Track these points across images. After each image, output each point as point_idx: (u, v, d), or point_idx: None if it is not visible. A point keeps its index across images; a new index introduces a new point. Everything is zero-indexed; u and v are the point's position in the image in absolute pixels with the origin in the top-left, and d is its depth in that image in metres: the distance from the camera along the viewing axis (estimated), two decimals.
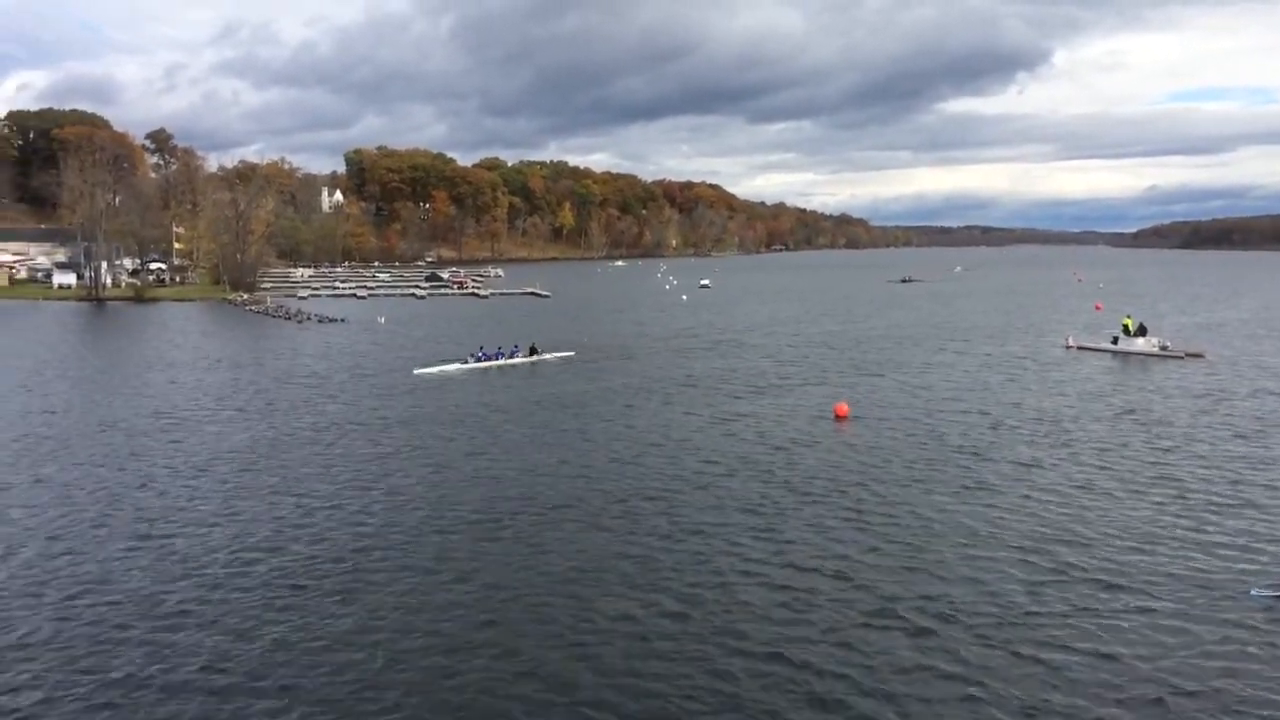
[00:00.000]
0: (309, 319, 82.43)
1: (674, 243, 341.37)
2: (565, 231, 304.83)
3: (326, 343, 64.29)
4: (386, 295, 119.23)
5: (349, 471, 28.17)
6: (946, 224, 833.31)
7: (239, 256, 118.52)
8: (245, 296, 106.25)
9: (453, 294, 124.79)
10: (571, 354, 54.90)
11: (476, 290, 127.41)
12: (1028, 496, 25.06)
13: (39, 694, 14.42)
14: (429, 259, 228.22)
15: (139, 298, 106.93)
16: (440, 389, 43.71)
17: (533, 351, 53.51)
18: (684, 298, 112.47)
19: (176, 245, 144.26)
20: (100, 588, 18.70)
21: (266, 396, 41.84)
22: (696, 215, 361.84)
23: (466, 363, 50.09)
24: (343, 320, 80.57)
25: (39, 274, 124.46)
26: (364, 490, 25.96)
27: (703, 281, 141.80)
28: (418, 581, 18.94)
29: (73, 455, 30.58)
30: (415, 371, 48.08)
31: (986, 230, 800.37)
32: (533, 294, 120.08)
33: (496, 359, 51.44)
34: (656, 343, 63.22)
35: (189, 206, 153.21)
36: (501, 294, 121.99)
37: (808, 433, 33.46)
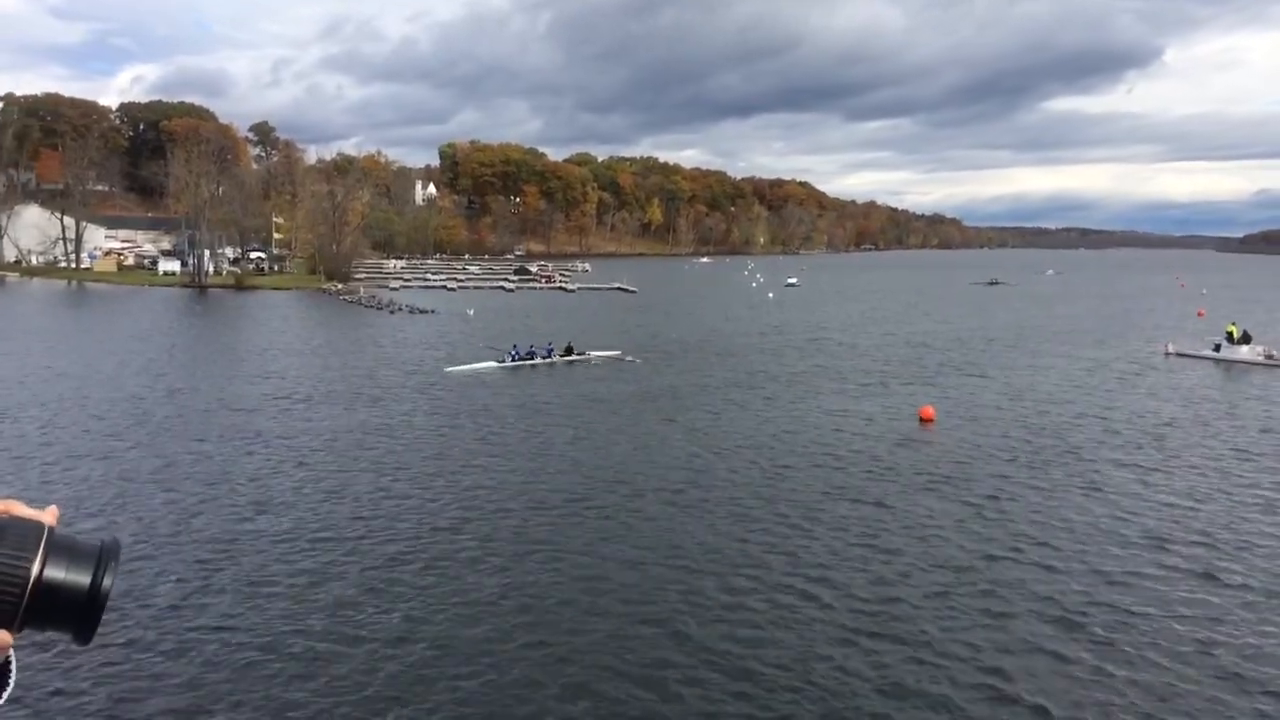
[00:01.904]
0: (400, 309, 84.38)
1: (762, 240, 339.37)
2: (653, 227, 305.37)
3: (418, 333, 65.93)
4: (476, 287, 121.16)
5: (441, 459, 29.09)
6: (1045, 225, 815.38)
7: (334, 247, 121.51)
8: (340, 286, 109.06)
9: (540, 287, 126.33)
10: (618, 353, 53.09)
11: (564, 284, 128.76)
12: (1120, 501, 24.71)
13: (174, 656, 15.47)
14: (518, 252, 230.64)
15: (239, 285, 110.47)
16: (494, 386, 44.54)
17: (569, 351, 51.56)
18: (770, 295, 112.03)
19: (275, 235, 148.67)
20: (236, 556, 19.92)
21: (362, 384, 43.24)
22: (785, 213, 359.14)
23: (502, 362, 48.73)
24: (433, 311, 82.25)
25: (146, 261, 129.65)
26: (459, 473, 26.78)
27: (790, 279, 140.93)
28: (507, 559, 19.64)
29: (199, 432, 32.12)
30: (446, 370, 46.85)
31: (1086, 232, 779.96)
32: (620, 289, 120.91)
33: (531, 358, 49.91)
34: (743, 340, 63.35)
35: (288, 197, 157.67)
36: (589, 288, 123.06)
37: (889, 435, 33.34)
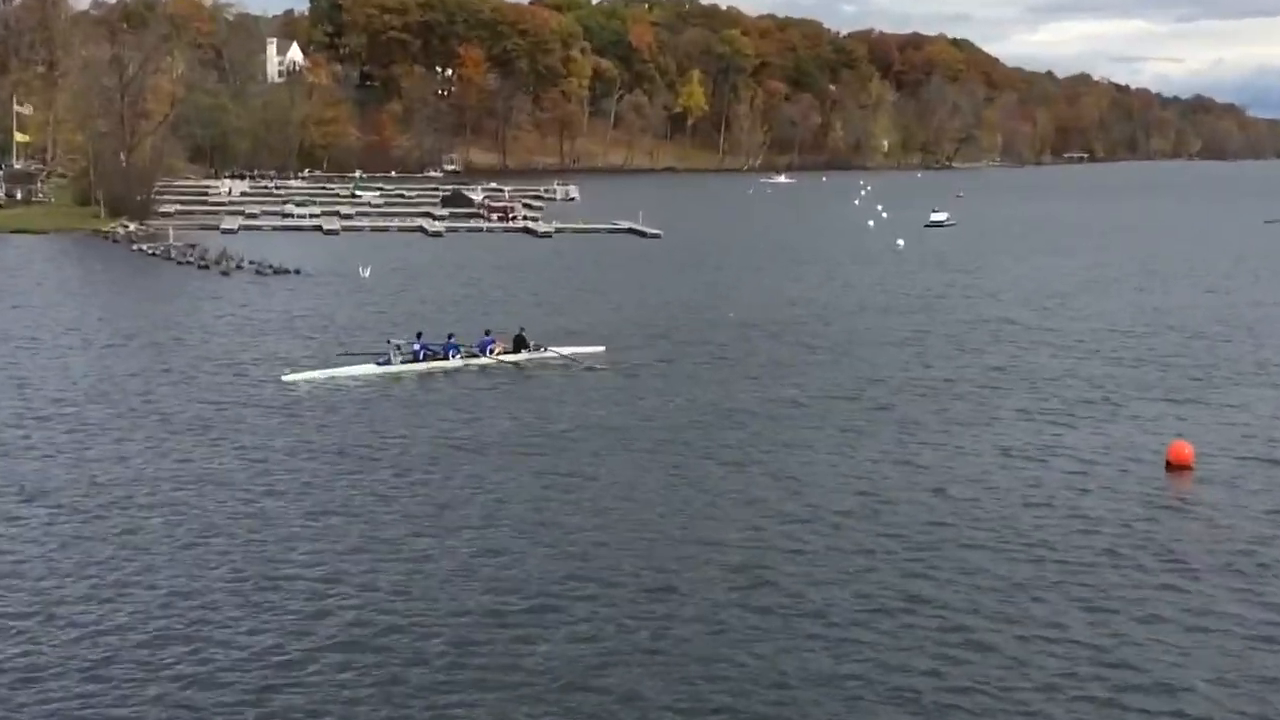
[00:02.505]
0: (241, 267, 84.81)
1: (886, 144, 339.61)
2: (692, 121, 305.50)
3: (273, 310, 66.55)
4: (374, 229, 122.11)
5: (303, 531, 29.27)
6: None
7: (124, 157, 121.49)
8: (133, 227, 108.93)
9: (491, 228, 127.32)
10: (601, 349, 53.23)
11: (531, 223, 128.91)
12: None
13: None
14: (449, 166, 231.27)
15: None
16: (382, 405, 44.79)
17: (519, 345, 52.04)
18: (900, 243, 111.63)
19: (19, 137, 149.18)
20: None
21: (172, 402, 43.62)
22: (928, 94, 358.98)
23: (389, 362, 49.17)
24: (297, 272, 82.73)
25: None
26: (332, 560, 26.93)
27: (935, 214, 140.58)
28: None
29: None
30: (284, 378, 47.39)
31: None
32: (631, 231, 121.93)
33: (447, 356, 50.38)
34: (853, 322, 63.90)
35: (40, 69, 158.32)
36: (575, 230, 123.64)
37: (1117, 490, 33.41)
